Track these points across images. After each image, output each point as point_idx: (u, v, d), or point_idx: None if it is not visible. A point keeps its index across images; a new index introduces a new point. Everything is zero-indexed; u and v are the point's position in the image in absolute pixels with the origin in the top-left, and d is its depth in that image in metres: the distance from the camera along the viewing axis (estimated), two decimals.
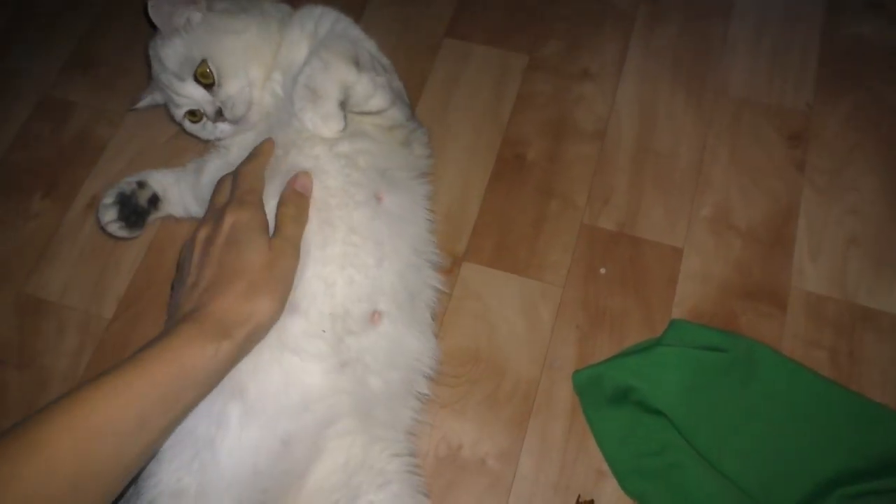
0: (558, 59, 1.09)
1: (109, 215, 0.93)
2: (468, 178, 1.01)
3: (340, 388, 0.72)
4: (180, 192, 0.96)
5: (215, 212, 0.73)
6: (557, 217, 0.97)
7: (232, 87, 0.83)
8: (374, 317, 0.75)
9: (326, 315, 0.72)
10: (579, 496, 0.82)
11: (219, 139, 0.88)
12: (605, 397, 0.85)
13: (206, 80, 0.83)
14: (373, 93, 0.80)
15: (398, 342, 0.77)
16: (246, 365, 0.68)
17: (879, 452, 0.81)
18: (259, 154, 0.78)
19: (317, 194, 0.75)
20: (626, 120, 1.04)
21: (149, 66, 0.89)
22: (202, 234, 0.71)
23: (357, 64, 0.78)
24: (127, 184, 0.95)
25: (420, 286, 0.82)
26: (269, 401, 0.69)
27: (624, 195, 0.99)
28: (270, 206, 0.74)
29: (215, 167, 0.87)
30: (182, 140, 1.07)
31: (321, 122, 0.76)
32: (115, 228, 0.94)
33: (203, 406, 0.65)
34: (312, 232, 0.74)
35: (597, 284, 0.93)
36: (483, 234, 0.96)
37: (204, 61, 0.82)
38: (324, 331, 0.72)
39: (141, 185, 0.95)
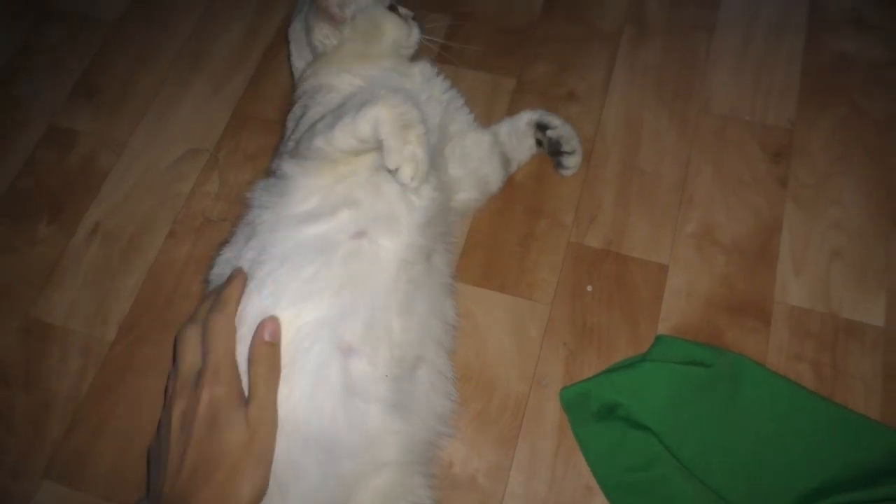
0: (545, 82, 1.11)
1: None
2: None
3: (394, 429, 0.75)
4: None
5: (188, 380, 0.70)
6: (545, 236, 1.00)
7: None
8: (418, 362, 0.79)
9: (389, 359, 0.75)
10: None
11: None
12: (593, 414, 0.87)
13: None
14: None
15: (433, 384, 0.81)
16: (308, 411, 0.70)
17: (863, 463, 0.82)
18: (227, 301, 0.73)
19: (389, 246, 0.78)
20: (611, 139, 1.06)
21: None
22: (178, 409, 0.69)
23: None
24: None
25: (446, 330, 0.86)
26: (335, 444, 0.72)
27: (610, 213, 1.01)
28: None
29: None
30: (183, 166, 1.10)
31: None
32: None
33: (281, 454, 0.68)
34: (379, 281, 0.76)
35: (584, 302, 0.95)
36: (472, 253, 0.99)
37: None
38: (387, 375, 0.75)
39: None
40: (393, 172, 0.77)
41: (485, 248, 1.00)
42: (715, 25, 1.16)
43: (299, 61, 1.01)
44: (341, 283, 0.75)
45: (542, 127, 1.02)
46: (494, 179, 1.00)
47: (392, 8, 1.00)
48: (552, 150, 1.03)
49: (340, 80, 0.91)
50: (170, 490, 0.65)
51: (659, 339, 0.91)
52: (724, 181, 1.02)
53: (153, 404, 0.93)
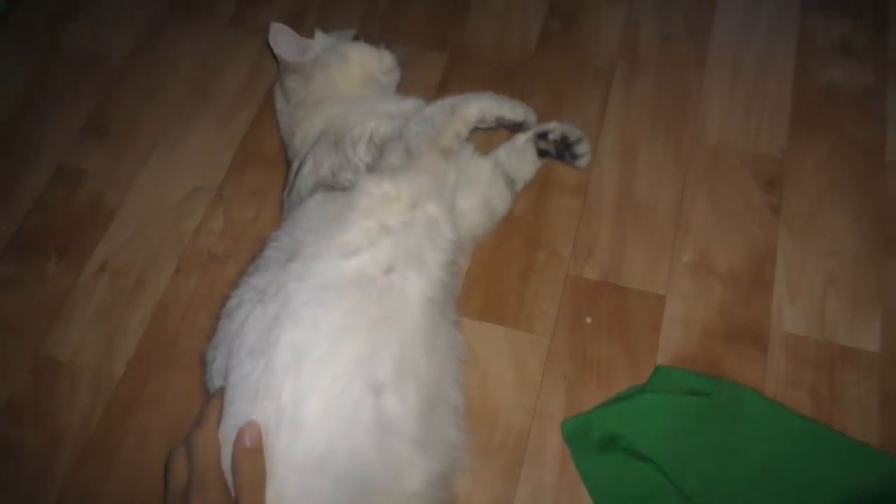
0: (541, 115, 1.13)
1: None
2: None
3: (419, 463, 0.76)
4: None
5: (178, 496, 0.70)
6: (544, 268, 1.02)
7: None
8: (439, 397, 0.81)
9: (416, 396, 0.77)
10: None
11: None
12: (594, 445, 0.88)
13: None
14: None
15: (450, 418, 0.83)
16: (344, 451, 0.72)
17: (862, 490, 0.83)
18: (208, 416, 0.74)
19: (416, 283, 0.81)
20: (607, 172, 1.09)
21: None
22: None
23: None
24: None
25: (460, 365, 0.89)
26: (367, 481, 0.73)
27: (607, 245, 1.03)
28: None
29: None
30: (188, 203, 1.13)
31: None
32: None
33: (319, 491, 0.70)
34: (408, 318, 0.79)
35: (583, 333, 0.97)
36: (472, 287, 1.01)
37: None
38: (414, 412, 0.76)
39: None
40: (523, 125, 1.00)
41: (484, 281, 1.01)
42: (706, 58, 1.19)
43: (282, 117, 1.07)
44: (375, 320, 0.77)
45: (541, 136, 1.05)
46: (501, 203, 1.01)
47: (357, 38, 1.06)
48: (560, 148, 1.05)
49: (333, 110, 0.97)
50: None
51: (658, 369, 0.92)
52: (719, 210, 1.04)
53: (161, 439, 0.95)
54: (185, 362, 1.00)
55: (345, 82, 1.02)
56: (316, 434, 0.71)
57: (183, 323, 1.03)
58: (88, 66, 1.30)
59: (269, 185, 1.12)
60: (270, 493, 0.69)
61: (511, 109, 0.98)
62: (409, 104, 0.99)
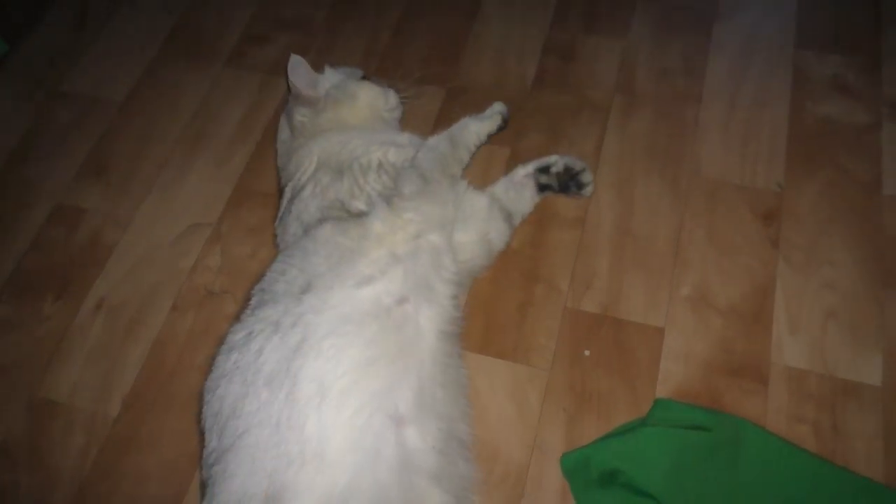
0: (539, 150, 1.14)
1: None
2: None
3: (436, 498, 0.76)
4: None
5: None
6: (542, 302, 1.01)
7: None
8: (452, 432, 0.81)
9: (436, 431, 0.77)
10: None
11: None
12: (594, 480, 0.87)
13: None
14: None
15: (461, 453, 0.82)
16: (368, 486, 0.71)
17: None
18: None
19: (430, 315, 0.83)
20: (604, 205, 1.09)
21: None
22: None
23: None
24: None
25: (467, 399, 0.89)
26: None
27: (605, 278, 1.03)
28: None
29: None
30: (186, 240, 1.13)
31: None
32: None
33: None
34: (424, 350, 0.80)
35: (582, 367, 0.96)
36: (471, 320, 1.00)
37: None
38: (433, 447, 0.76)
39: None
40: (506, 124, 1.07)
41: (483, 314, 1.01)
42: (702, 94, 1.20)
43: (282, 146, 1.08)
44: (393, 351, 0.77)
45: (543, 170, 1.07)
46: (498, 237, 1.02)
47: (364, 78, 1.09)
48: (564, 180, 1.07)
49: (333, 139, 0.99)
50: None
51: (658, 402, 0.91)
52: (717, 244, 1.04)
53: (156, 479, 0.94)
54: (181, 401, 0.99)
55: (352, 119, 1.05)
56: (340, 467, 0.71)
57: (179, 361, 1.03)
58: (88, 107, 1.32)
59: (266, 221, 1.12)
60: None
61: (492, 121, 1.04)
62: (405, 137, 1.01)
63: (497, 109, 1.07)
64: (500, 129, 1.06)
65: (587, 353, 0.97)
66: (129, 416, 1.00)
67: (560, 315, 1.00)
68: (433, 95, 1.24)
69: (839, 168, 1.10)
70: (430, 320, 0.82)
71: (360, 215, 0.89)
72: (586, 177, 1.08)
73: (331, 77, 1.08)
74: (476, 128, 1.02)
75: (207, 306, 1.07)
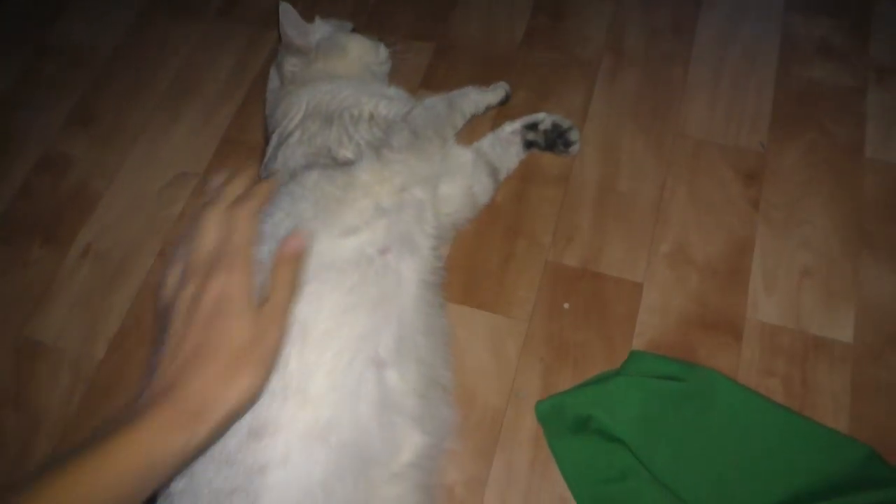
0: (526, 108, 1.15)
1: None
2: None
3: (415, 440, 0.78)
4: None
5: (201, 264, 0.65)
6: (524, 255, 1.03)
7: None
8: (434, 378, 0.83)
9: (417, 375, 0.80)
10: None
11: None
12: (567, 427, 0.89)
13: None
14: None
15: (442, 397, 0.85)
16: (349, 423, 0.73)
17: (830, 475, 0.84)
18: (257, 195, 0.70)
19: (412, 265, 0.84)
20: (589, 163, 1.10)
21: None
22: (186, 293, 0.63)
23: None
24: None
25: (448, 347, 0.91)
26: (367, 452, 0.74)
27: (587, 234, 1.04)
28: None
29: None
30: (172, 189, 1.14)
31: None
32: None
33: (324, 460, 0.70)
34: (406, 299, 0.82)
35: (561, 319, 0.98)
36: (453, 272, 1.01)
37: None
38: (414, 389, 0.79)
39: None
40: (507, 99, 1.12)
41: (465, 267, 1.02)
42: (690, 55, 1.20)
43: (271, 95, 1.09)
44: (375, 299, 0.79)
45: (531, 127, 1.08)
46: (483, 191, 1.03)
47: (354, 31, 1.11)
48: (552, 137, 1.09)
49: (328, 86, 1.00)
50: (161, 376, 0.60)
51: (633, 354, 0.93)
52: (699, 203, 1.05)
53: None
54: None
55: (342, 70, 1.06)
56: (322, 403, 0.72)
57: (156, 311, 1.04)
58: (75, 58, 1.32)
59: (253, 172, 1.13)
60: (275, 455, 0.69)
61: (495, 95, 1.08)
62: (393, 90, 1.02)
63: (501, 85, 1.10)
64: (502, 102, 1.09)
65: (566, 306, 0.99)
66: (114, 359, 1.01)
67: (541, 268, 1.01)
68: (422, 51, 1.24)
69: (823, 130, 1.11)
70: (411, 270, 0.84)
71: (347, 164, 0.90)
72: (573, 135, 1.09)
73: (321, 28, 1.09)
74: (476, 97, 1.04)
75: None
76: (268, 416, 0.71)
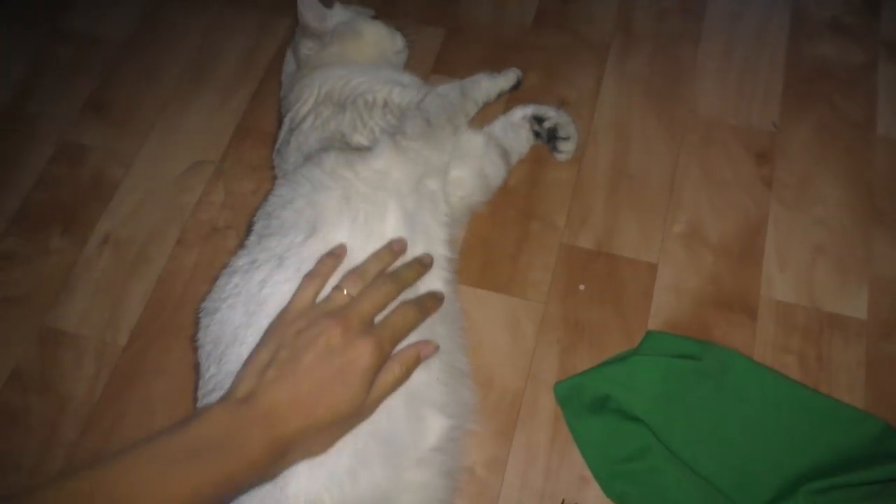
0: (537, 90, 1.16)
1: None
2: None
3: (439, 425, 0.79)
4: None
5: (357, 322, 0.70)
6: (538, 238, 1.04)
7: None
8: (454, 364, 0.85)
9: (439, 364, 0.81)
10: (563, 501, 0.88)
11: None
12: (586, 406, 0.90)
13: None
14: None
15: (462, 381, 0.86)
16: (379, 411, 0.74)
17: (845, 449, 0.85)
18: (427, 307, 0.79)
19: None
20: (601, 145, 1.11)
21: None
22: (331, 339, 0.68)
23: None
24: None
25: (464, 333, 0.92)
26: (394, 440, 0.76)
27: (601, 215, 1.05)
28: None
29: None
30: (189, 177, 1.15)
31: None
32: None
33: (354, 445, 0.72)
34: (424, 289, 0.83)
35: (576, 300, 0.99)
36: (469, 255, 1.03)
37: None
38: (438, 379, 0.80)
39: None
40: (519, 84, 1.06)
41: (480, 250, 1.03)
42: (700, 34, 1.20)
43: (286, 79, 1.09)
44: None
45: (538, 119, 1.08)
46: (495, 173, 1.03)
47: (375, 18, 1.10)
48: (549, 137, 1.08)
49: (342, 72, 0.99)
50: (275, 391, 0.65)
51: (649, 334, 0.94)
52: (711, 182, 1.06)
53: (163, 406, 0.97)
54: (187, 332, 1.02)
55: (357, 56, 1.05)
56: None
57: (185, 293, 1.05)
58: (88, 46, 1.32)
59: (267, 158, 1.13)
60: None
61: (506, 80, 1.04)
62: (407, 77, 1.02)
63: (513, 70, 1.07)
64: (514, 87, 1.07)
65: (582, 287, 1.00)
66: (136, 346, 1.03)
67: (556, 250, 1.03)
68: (432, 35, 1.24)
69: (834, 107, 1.11)
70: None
71: (362, 149, 0.90)
72: (564, 145, 1.08)
73: (340, 13, 1.08)
74: (488, 84, 1.02)
75: (212, 241, 1.09)
76: None
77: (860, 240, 1.01)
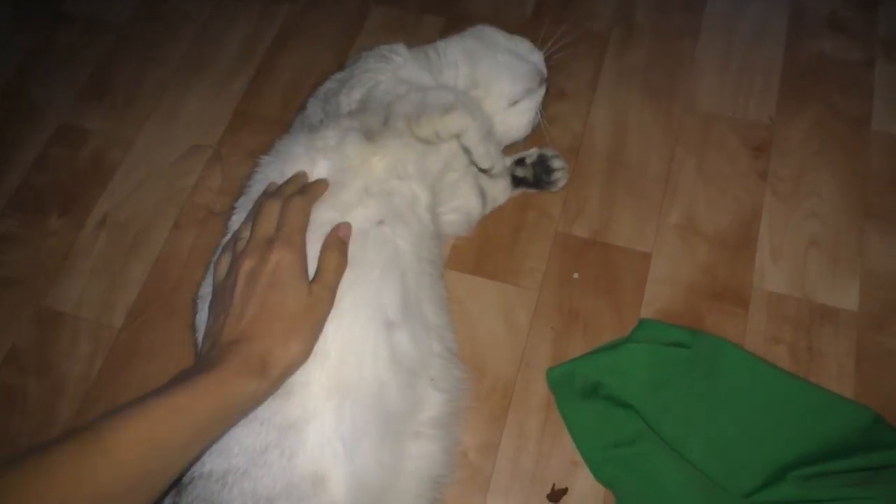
0: None
1: None
2: None
3: (434, 399, 0.82)
4: None
5: (260, 243, 0.76)
6: (534, 226, 1.04)
7: None
8: (444, 343, 0.87)
9: (426, 339, 0.83)
10: (554, 485, 0.88)
11: None
12: (578, 392, 0.91)
13: None
14: None
15: (454, 362, 0.88)
16: (370, 381, 0.76)
17: (834, 438, 0.86)
18: (313, 191, 0.82)
19: (407, 237, 0.84)
20: (599, 136, 1.11)
21: None
22: (247, 265, 0.74)
23: None
24: None
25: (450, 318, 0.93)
26: (390, 410, 0.77)
27: (596, 205, 1.05)
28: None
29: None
30: (187, 161, 1.15)
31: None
32: None
33: (351, 417, 0.74)
34: (407, 268, 0.83)
35: (570, 288, 0.99)
36: (464, 243, 1.03)
37: None
38: (430, 351, 0.83)
39: None
40: (486, 171, 0.93)
41: (476, 238, 1.04)
42: (700, 29, 1.21)
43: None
44: (375, 269, 0.80)
45: (518, 163, 1.05)
46: (475, 209, 1.03)
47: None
48: (538, 171, 1.04)
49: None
50: (228, 333, 0.71)
51: (642, 322, 0.95)
52: (707, 175, 1.07)
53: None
54: (182, 314, 1.02)
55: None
56: (344, 364, 0.75)
57: (182, 275, 1.06)
58: (89, 30, 1.32)
59: (265, 144, 1.12)
60: (305, 413, 0.73)
61: (484, 153, 0.89)
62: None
63: (499, 160, 0.94)
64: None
65: (576, 275, 1.00)
66: (133, 328, 1.03)
67: (551, 239, 1.03)
68: (432, 24, 1.25)
69: (830, 103, 1.12)
70: (406, 242, 0.84)
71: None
72: (557, 163, 1.05)
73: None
74: (472, 131, 0.87)
75: (209, 225, 1.09)
76: (295, 376, 0.73)
77: (853, 233, 1.01)
